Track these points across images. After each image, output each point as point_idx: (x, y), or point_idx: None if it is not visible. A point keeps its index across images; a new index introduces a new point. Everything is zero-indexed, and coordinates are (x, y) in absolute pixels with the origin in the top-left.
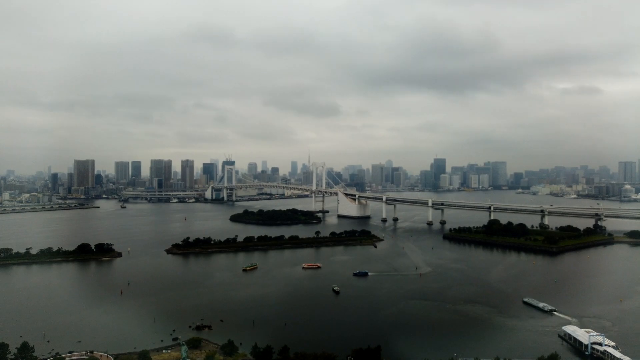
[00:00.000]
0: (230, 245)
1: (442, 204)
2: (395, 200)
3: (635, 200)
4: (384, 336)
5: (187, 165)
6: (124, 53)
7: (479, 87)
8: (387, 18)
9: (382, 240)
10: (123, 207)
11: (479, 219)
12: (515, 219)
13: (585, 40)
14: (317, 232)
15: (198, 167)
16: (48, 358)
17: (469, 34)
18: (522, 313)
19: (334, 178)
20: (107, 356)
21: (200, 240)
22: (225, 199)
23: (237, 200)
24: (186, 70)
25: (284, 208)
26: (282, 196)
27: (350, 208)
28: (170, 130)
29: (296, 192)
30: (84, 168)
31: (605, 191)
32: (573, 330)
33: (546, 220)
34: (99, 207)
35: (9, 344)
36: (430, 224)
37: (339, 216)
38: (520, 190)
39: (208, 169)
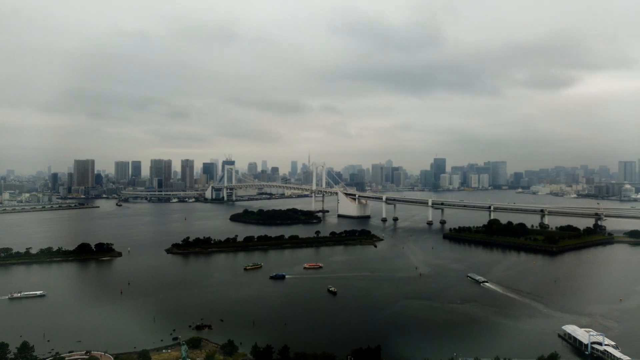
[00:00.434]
0: (230, 245)
1: (442, 204)
2: (395, 200)
3: (635, 200)
4: (384, 336)
5: (187, 165)
6: (124, 54)
7: (440, 85)
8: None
9: (382, 240)
10: (119, 206)
11: (479, 219)
12: (515, 218)
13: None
14: (317, 232)
15: (198, 167)
16: (48, 358)
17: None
18: (521, 312)
19: (334, 178)
20: (107, 356)
21: (200, 240)
22: (225, 198)
23: (237, 200)
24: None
25: (284, 208)
26: (282, 196)
27: (350, 208)
28: (157, 131)
29: (296, 191)
30: (84, 168)
31: (605, 191)
32: (573, 330)
33: (546, 220)
34: (99, 206)
35: (9, 344)
36: (430, 223)
37: (339, 216)
38: (520, 190)
39: (208, 168)
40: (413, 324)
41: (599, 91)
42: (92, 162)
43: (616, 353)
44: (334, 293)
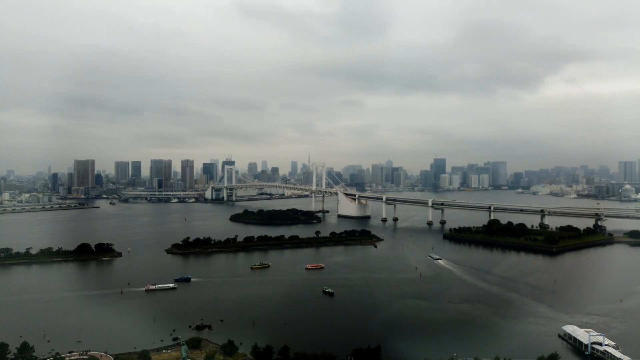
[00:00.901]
0: (230, 245)
1: (442, 204)
2: (395, 200)
3: (635, 200)
4: (384, 336)
5: (187, 165)
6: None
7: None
8: None
9: (382, 240)
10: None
11: (479, 219)
12: (515, 219)
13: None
14: (317, 232)
15: (198, 167)
16: (48, 358)
17: None
18: (522, 313)
19: (334, 178)
20: (107, 356)
21: (200, 240)
22: (225, 199)
23: (237, 200)
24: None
25: (284, 208)
26: (282, 196)
27: (350, 208)
28: (157, 131)
29: (296, 192)
30: (84, 168)
31: (605, 191)
32: (573, 330)
33: (546, 220)
34: (99, 207)
35: (9, 344)
36: (430, 223)
37: (339, 216)
38: (520, 190)
39: (208, 169)
40: (413, 324)
41: (598, 91)
42: (92, 162)
43: (616, 353)
44: (330, 294)
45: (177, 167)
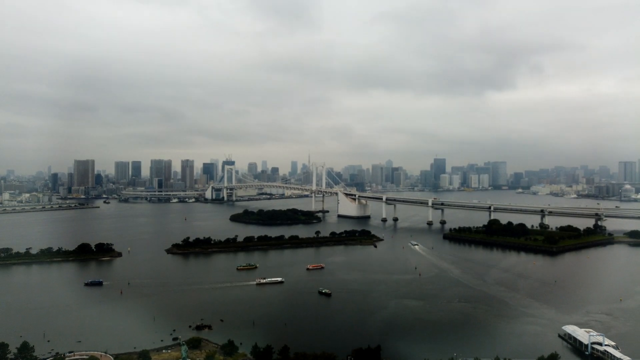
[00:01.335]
0: (230, 245)
1: (442, 204)
2: (395, 200)
3: (635, 200)
4: (384, 336)
5: (187, 165)
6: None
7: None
8: None
9: (382, 240)
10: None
11: (479, 219)
12: (515, 219)
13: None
14: (317, 232)
15: (198, 167)
16: (48, 358)
17: None
18: (521, 313)
19: (334, 178)
20: (107, 356)
21: (200, 240)
22: (225, 198)
23: (237, 200)
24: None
25: (284, 208)
26: (282, 196)
27: (350, 208)
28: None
29: (296, 192)
30: (84, 168)
31: (605, 191)
32: (573, 330)
33: (546, 220)
34: (99, 207)
35: (9, 344)
36: (430, 223)
37: (339, 216)
38: (520, 190)
39: (208, 169)
40: (413, 324)
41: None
42: (92, 162)
43: (616, 353)
44: (327, 295)
45: (177, 167)
